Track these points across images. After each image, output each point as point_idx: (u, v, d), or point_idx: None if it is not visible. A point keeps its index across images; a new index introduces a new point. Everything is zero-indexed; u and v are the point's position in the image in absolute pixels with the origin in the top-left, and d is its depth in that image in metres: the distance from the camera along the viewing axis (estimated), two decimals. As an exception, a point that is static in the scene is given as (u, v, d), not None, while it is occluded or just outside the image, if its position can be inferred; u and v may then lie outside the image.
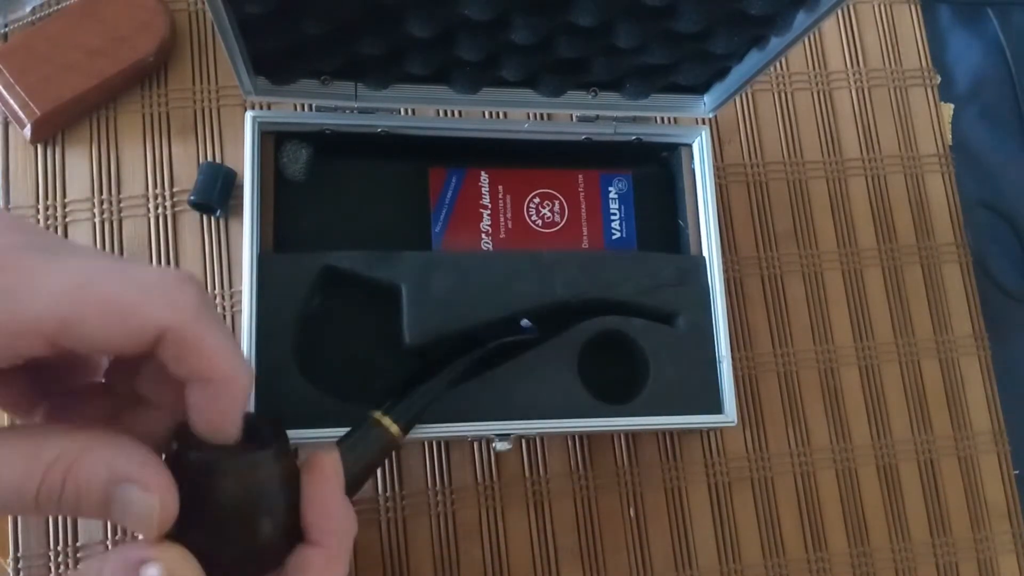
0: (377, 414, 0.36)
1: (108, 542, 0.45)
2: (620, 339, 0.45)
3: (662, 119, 0.54)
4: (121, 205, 0.49)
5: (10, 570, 0.44)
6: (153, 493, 0.23)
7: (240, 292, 0.45)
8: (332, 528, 0.26)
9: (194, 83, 0.51)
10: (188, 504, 0.24)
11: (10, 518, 0.44)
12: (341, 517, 0.27)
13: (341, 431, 0.35)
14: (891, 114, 0.58)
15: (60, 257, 0.24)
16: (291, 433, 0.39)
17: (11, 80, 0.47)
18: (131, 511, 0.23)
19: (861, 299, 0.55)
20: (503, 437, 0.43)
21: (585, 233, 0.49)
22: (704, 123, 0.51)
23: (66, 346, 0.23)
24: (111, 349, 0.24)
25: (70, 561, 0.44)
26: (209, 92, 0.51)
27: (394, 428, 0.36)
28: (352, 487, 0.32)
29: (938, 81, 0.60)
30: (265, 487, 0.25)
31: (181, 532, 0.24)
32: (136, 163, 0.50)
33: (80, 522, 0.44)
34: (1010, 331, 0.56)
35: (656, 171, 0.51)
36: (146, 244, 0.49)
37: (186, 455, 0.25)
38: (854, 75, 0.59)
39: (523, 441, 0.49)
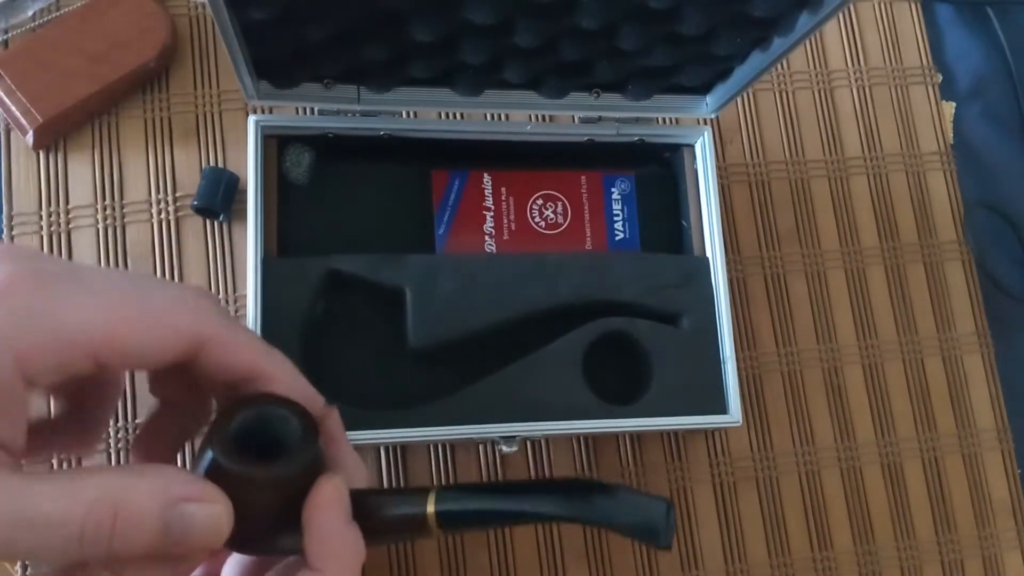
0: (431, 500, 0.29)
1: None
2: (624, 340, 0.45)
3: (664, 120, 0.54)
4: (124, 211, 0.49)
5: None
6: (217, 503, 0.24)
7: (244, 297, 0.45)
8: (329, 554, 0.26)
9: (196, 88, 0.51)
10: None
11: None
12: (340, 543, 0.27)
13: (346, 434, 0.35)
14: (892, 112, 0.58)
15: (86, 279, 0.25)
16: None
17: (12, 87, 0.47)
18: (195, 526, 0.24)
19: (864, 298, 0.55)
20: (509, 439, 0.43)
21: (588, 234, 0.49)
22: (706, 123, 0.51)
23: (107, 361, 0.24)
24: (149, 361, 0.26)
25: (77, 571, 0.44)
26: (211, 97, 0.51)
27: (433, 523, 0.29)
28: (368, 533, 0.29)
29: (939, 80, 0.60)
30: (290, 500, 0.26)
31: None
32: (138, 168, 0.50)
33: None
34: (1011, 331, 0.56)
35: (659, 172, 0.51)
36: (149, 250, 0.49)
37: (220, 467, 0.26)
38: (855, 74, 0.59)
39: (528, 443, 0.49)
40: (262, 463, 0.26)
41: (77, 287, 0.25)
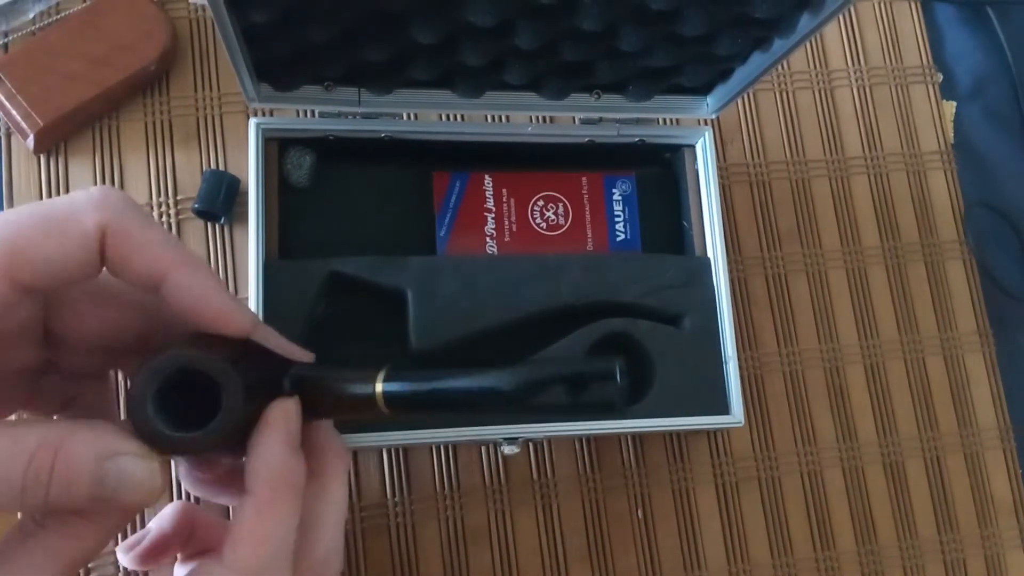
0: (379, 379, 0.29)
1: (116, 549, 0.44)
2: (626, 341, 0.45)
3: (665, 120, 0.54)
4: (125, 214, 0.49)
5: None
6: (152, 458, 0.24)
7: (246, 299, 0.45)
8: (265, 479, 0.26)
9: (196, 91, 0.51)
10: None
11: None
12: (278, 470, 0.26)
13: (346, 435, 0.35)
14: (893, 112, 0.58)
15: None
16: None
17: (13, 91, 0.47)
18: (129, 480, 0.23)
19: (865, 297, 0.55)
20: (511, 440, 0.43)
21: (589, 235, 0.49)
22: (707, 124, 0.51)
23: (25, 279, 0.23)
24: (65, 269, 0.24)
25: (80, 572, 0.44)
26: (211, 99, 0.51)
27: (381, 403, 0.29)
28: (321, 411, 0.29)
29: (940, 79, 0.60)
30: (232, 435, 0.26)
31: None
32: (139, 172, 0.50)
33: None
34: (1011, 330, 0.56)
35: (659, 172, 0.51)
36: (151, 252, 0.48)
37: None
38: (855, 73, 0.59)
39: (531, 444, 0.49)
40: (190, 421, 0.25)
41: None
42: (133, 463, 0.24)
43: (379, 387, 0.28)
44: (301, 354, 0.31)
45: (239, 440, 0.27)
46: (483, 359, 0.43)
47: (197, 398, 0.25)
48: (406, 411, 0.29)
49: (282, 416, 0.27)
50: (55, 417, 0.31)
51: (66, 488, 0.22)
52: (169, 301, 0.26)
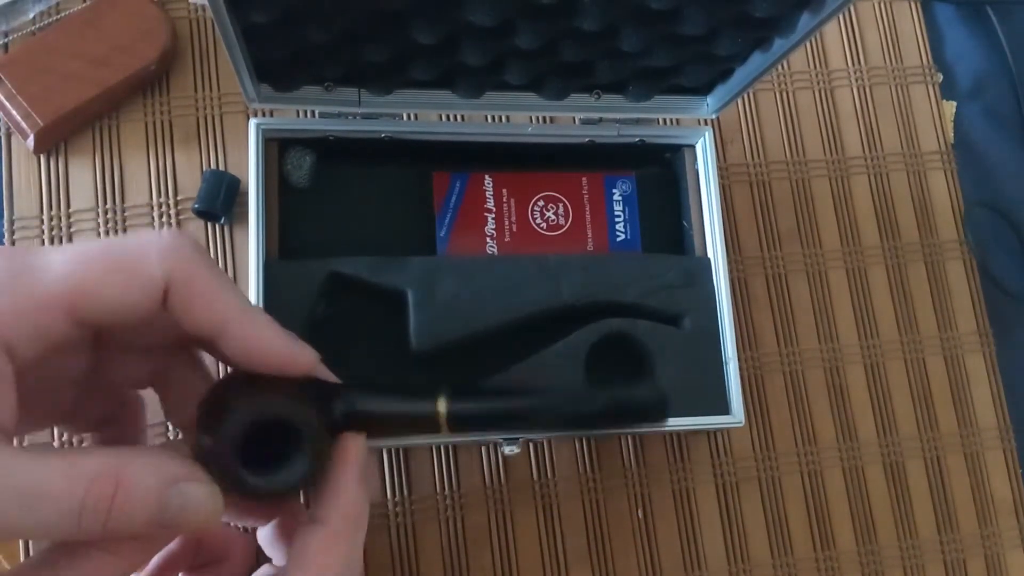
0: (441, 400, 0.30)
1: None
2: (626, 341, 0.45)
3: (665, 120, 0.54)
4: (125, 215, 0.49)
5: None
6: (213, 484, 0.24)
7: (246, 299, 0.45)
8: (339, 510, 0.27)
9: (196, 91, 0.51)
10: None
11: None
12: (351, 502, 0.27)
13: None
14: (893, 112, 0.58)
15: (55, 247, 0.25)
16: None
17: (13, 91, 0.47)
18: (192, 507, 0.24)
19: (865, 297, 0.55)
20: (511, 441, 0.43)
21: (590, 235, 0.49)
22: (707, 124, 0.51)
23: (86, 317, 0.24)
24: (127, 311, 0.25)
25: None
26: (211, 99, 0.51)
27: (443, 421, 0.30)
28: (377, 432, 0.31)
29: (940, 79, 0.60)
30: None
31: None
32: (139, 172, 0.50)
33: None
34: (1012, 330, 0.56)
35: (659, 172, 0.51)
36: (151, 253, 0.49)
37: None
38: (855, 73, 0.59)
39: (531, 444, 0.49)
40: (260, 467, 0.26)
41: (46, 252, 0.24)
42: (196, 489, 0.24)
43: (442, 408, 0.30)
44: (332, 376, 0.32)
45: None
46: (483, 359, 0.44)
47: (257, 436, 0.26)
48: (467, 429, 0.31)
49: (356, 451, 0.28)
50: (88, 435, 0.32)
51: (127, 517, 0.23)
52: (230, 350, 0.27)
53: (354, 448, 0.28)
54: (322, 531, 0.27)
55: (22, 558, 0.44)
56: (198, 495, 0.24)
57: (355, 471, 0.28)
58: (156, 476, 0.23)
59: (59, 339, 0.24)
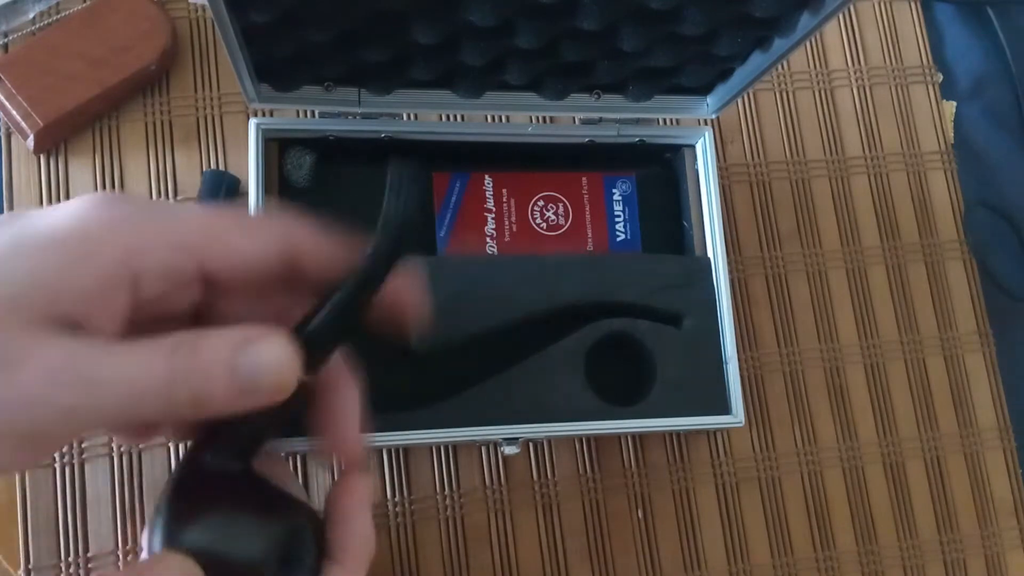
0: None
1: (119, 551, 0.45)
2: (626, 341, 0.45)
3: (665, 120, 0.54)
4: (125, 214, 0.49)
5: (20, 581, 0.44)
6: (284, 338, 0.25)
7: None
8: (355, 552, 0.28)
9: (196, 91, 0.51)
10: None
11: (20, 529, 0.44)
12: (365, 541, 0.28)
13: None
14: (893, 112, 0.58)
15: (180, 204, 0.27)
16: (294, 440, 0.39)
17: (13, 91, 0.47)
18: (264, 364, 0.24)
19: (865, 297, 0.55)
20: (511, 441, 0.43)
21: (590, 235, 0.49)
22: (707, 124, 0.51)
23: (211, 265, 0.26)
24: (251, 265, 0.26)
25: (81, 572, 0.44)
26: (211, 99, 0.51)
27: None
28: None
29: (940, 79, 0.60)
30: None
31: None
32: (139, 172, 0.50)
33: (91, 532, 0.44)
34: (1011, 330, 0.56)
35: (660, 172, 0.51)
36: (151, 252, 0.49)
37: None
38: (855, 73, 0.59)
39: (531, 444, 0.49)
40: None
41: (174, 206, 0.26)
42: (267, 346, 0.24)
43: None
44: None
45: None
46: (483, 359, 0.44)
47: None
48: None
49: (365, 492, 0.29)
50: None
51: (206, 380, 0.23)
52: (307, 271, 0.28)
53: (363, 488, 0.29)
54: (335, 570, 0.27)
55: (22, 558, 0.44)
56: (267, 351, 0.24)
57: (365, 511, 0.29)
58: (226, 339, 0.24)
59: (180, 282, 0.25)
